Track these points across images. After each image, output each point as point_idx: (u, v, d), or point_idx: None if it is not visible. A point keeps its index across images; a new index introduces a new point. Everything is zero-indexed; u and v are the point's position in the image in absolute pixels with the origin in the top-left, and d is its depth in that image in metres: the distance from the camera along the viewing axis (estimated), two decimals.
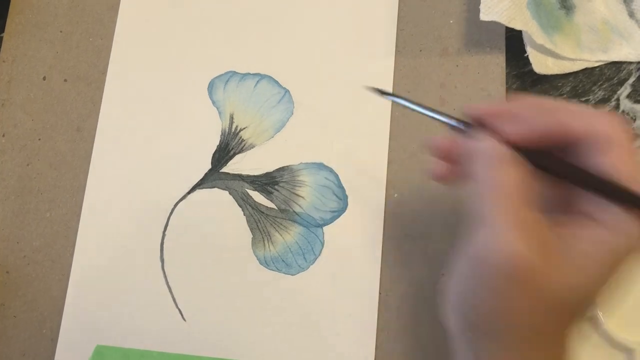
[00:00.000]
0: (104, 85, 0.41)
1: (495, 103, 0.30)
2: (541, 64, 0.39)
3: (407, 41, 0.41)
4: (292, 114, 0.40)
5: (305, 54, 0.39)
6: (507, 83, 0.40)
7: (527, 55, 0.39)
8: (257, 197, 0.39)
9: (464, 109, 0.26)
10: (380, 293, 0.37)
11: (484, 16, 0.37)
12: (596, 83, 0.41)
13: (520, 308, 0.23)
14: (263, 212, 0.38)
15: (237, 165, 0.39)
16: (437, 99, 0.40)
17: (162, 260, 0.38)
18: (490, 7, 0.37)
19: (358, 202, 0.38)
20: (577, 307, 0.24)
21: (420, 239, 0.38)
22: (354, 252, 0.37)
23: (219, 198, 0.39)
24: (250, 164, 0.39)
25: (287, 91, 0.40)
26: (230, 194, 0.39)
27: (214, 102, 0.40)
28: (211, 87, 0.41)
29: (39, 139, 0.40)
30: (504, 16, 0.37)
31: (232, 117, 0.40)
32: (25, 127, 0.40)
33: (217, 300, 0.37)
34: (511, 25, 0.37)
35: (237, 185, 0.39)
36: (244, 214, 0.38)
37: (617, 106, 0.40)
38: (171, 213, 0.39)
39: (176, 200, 0.39)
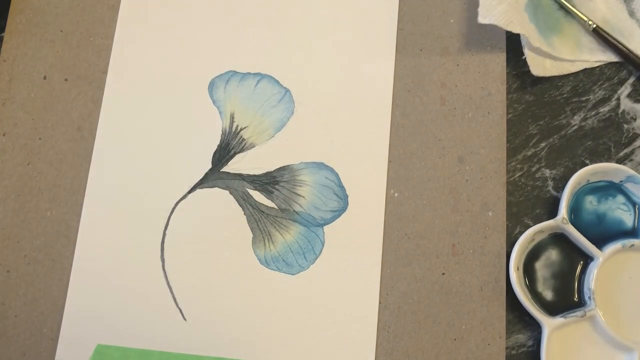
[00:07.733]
0: (104, 84, 0.41)
1: None
2: (539, 66, 0.39)
3: (407, 41, 0.41)
4: (293, 113, 0.40)
5: (305, 54, 0.39)
6: (507, 82, 0.40)
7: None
8: (258, 196, 0.39)
9: None
10: (380, 293, 0.37)
11: (482, 19, 0.37)
12: (596, 82, 0.41)
13: None
14: (263, 212, 0.38)
15: (237, 164, 0.39)
16: (438, 98, 0.40)
17: (163, 260, 0.38)
18: (488, 9, 0.37)
19: (358, 202, 0.38)
20: None
21: (420, 238, 0.38)
22: (354, 251, 0.37)
23: (220, 197, 0.39)
24: (251, 163, 0.39)
25: (287, 91, 0.40)
26: (230, 193, 0.39)
27: (214, 102, 0.41)
28: (212, 86, 0.41)
29: (40, 138, 0.40)
30: (502, 19, 0.37)
31: (232, 117, 0.40)
32: (26, 127, 0.40)
33: (218, 300, 0.37)
34: (509, 29, 0.37)
35: (238, 184, 0.39)
36: (245, 214, 0.38)
37: (618, 105, 0.40)
38: (172, 212, 0.39)
39: (177, 200, 0.39)
